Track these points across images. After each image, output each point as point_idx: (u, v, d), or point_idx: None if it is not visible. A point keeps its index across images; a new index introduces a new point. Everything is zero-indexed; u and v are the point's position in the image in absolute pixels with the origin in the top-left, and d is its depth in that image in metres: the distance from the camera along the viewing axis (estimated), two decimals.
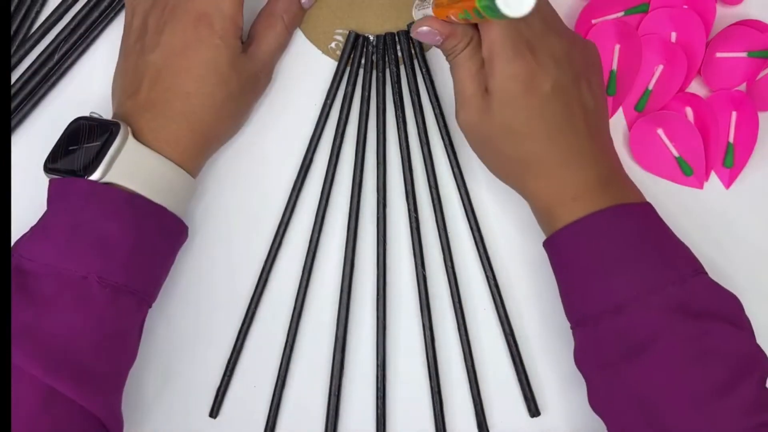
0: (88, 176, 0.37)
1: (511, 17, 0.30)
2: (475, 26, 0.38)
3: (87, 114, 0.40)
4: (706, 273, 0.38)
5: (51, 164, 0.38)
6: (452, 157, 0.45)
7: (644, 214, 0.39)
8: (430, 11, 0.39)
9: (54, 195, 0.38)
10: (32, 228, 0.38)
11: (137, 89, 0.40)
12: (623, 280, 0.36)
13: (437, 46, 0.40)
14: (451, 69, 0.40)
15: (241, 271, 0.45)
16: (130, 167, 0.38)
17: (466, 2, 0.33)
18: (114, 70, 0.42)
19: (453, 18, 0.37)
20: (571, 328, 0.40)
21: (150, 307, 0.40)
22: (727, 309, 0.37)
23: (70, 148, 0.38)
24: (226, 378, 0.43)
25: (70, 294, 0.35)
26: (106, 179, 0.37)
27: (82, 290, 0.36)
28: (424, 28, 0.39)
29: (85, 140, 0.38)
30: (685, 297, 0.36)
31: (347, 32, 0.46)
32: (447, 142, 0.45)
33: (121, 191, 0.37)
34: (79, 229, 0.36)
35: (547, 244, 0.40)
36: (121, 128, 0.38)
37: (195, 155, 0.41)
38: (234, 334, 0.44)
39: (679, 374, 0.35)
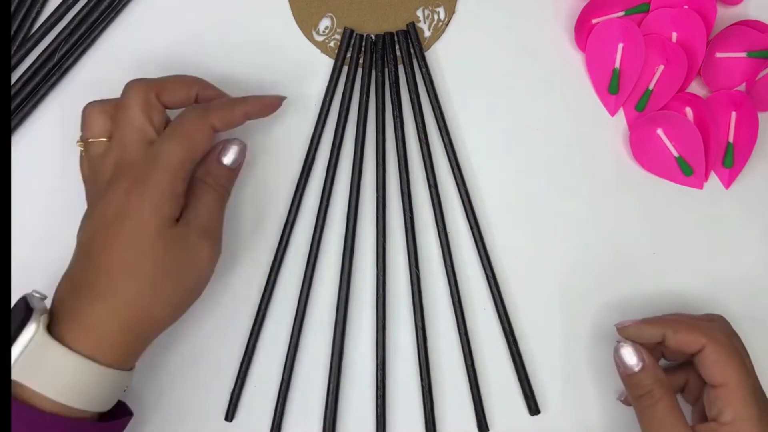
0: None
1: None
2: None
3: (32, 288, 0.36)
4: None
5: None
6: (452, 156, 0.45)
7: None
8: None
9: None
10: None
11: (72, 266, 0.36)
12: None
13: (623, 380, 0.39)
14: (643, 417, 0.38)
15: (246, 272, 0.45)
16: (37, 366, 0.33)
17: None
18: None
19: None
20: None
21: None
22: None
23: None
24: (239, 382, 0.44)
25: None
26: (12, 377, 0.33)
27: None
28: (628, 351, 0.38)
29: (15, 327, 0.34)
30: None
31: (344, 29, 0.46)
32: (446, 141, 0.45)
33: (12, 401, 0.33)
34: None
35: None
36: (32, 320, 0.33)
37: (123, 346, 0.35)
38: (244, 339, 0.44)
39: None
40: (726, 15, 0.46)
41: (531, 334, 0.44)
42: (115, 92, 0.46)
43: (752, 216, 0.46)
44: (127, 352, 0.36)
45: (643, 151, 0.46)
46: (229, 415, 0.43)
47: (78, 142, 0.39)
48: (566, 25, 0.47)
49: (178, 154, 0.36)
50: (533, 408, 0.43)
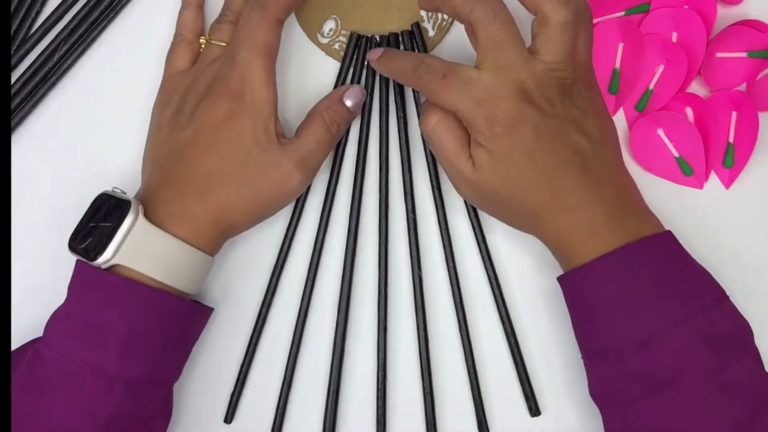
0: (96, 259, 0.36)
1: None
2: None
3: (110, 187, 0.39)
4: (727, 297, 0.37)
5: (72, 242, 0.37)
6: None
7: (665, 245, 0.38)
8: None
9: (72, 279, 0.38)
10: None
11: (164, 164, 0.40)
12: (646, 315, 0.35)
13: None
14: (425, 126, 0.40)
15: (248, 272, 0.45)
16: (139, 249, 0.37)
17: None
18: (145, 141, 0.42)
19: None
20: (584, 357, 0.39)
21: (168, 386, 0.39)
22: (744, 337, 0.37)
23: (90, 224, 0.37)
24: (239, 384, 0.44)
25: (66, 383, 0.35)
26: (115, 261, 0.36)
27: (78, 380, 0.35)
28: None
29: (102, 218, 0.37)
30: (708, 328, 0.35)
31: (350, 33, 0.46)
32: None
33: (120, 278, 0.36)
34: (78, 318, 0.37)
35: (563, 281, 0.39)
36: (132, 208, 0.36)
37: (210, 235, 0.39)
38: (246, 339, 0.44)
39: (702, 409, 0.34)
40: (726, 15, 0.46)
41: (532, 334, 0.44)
42: (116, 92, 0.46)
43: (752, 216, 0.46)
44: (212, 243, 0.39)
45: (643, 151, 0.46)
46: (229, 418, 0.43)
47: (203, 37, 0.44)
48: None
49: (261, 64, 0.39)
50: (534, 409, 0.43)
